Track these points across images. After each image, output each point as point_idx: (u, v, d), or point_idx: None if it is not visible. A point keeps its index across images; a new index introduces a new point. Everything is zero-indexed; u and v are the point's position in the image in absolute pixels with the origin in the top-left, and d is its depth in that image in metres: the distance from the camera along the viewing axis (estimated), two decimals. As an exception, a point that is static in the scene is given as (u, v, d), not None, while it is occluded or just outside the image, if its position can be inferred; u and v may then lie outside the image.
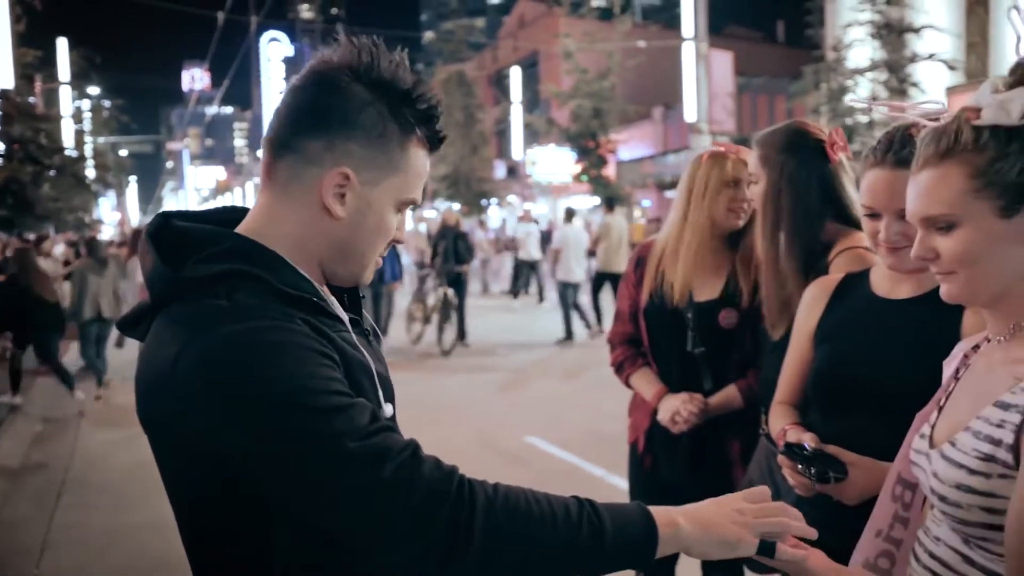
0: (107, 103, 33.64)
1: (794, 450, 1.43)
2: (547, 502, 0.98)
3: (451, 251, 10.70)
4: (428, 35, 44.65)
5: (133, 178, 56.23)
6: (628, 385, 2.55)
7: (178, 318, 0.99)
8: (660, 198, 26.47)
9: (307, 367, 0.94)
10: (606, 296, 9.95)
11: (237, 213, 1.15)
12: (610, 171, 25.60)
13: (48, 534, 4.47)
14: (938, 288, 1.14)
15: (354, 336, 1.10)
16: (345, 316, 1.13)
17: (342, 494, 0.92)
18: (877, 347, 1.56)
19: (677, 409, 2.31)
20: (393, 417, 1.12)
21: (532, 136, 30.42)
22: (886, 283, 1.61)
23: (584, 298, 11.29)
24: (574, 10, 27.03)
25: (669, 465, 2.44)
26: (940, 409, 1.18)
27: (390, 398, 1.13)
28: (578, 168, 25.22)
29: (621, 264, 10.06)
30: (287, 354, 0.94)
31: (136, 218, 57.75)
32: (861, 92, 16.82)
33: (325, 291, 1.15)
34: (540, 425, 6.41)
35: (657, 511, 1.03)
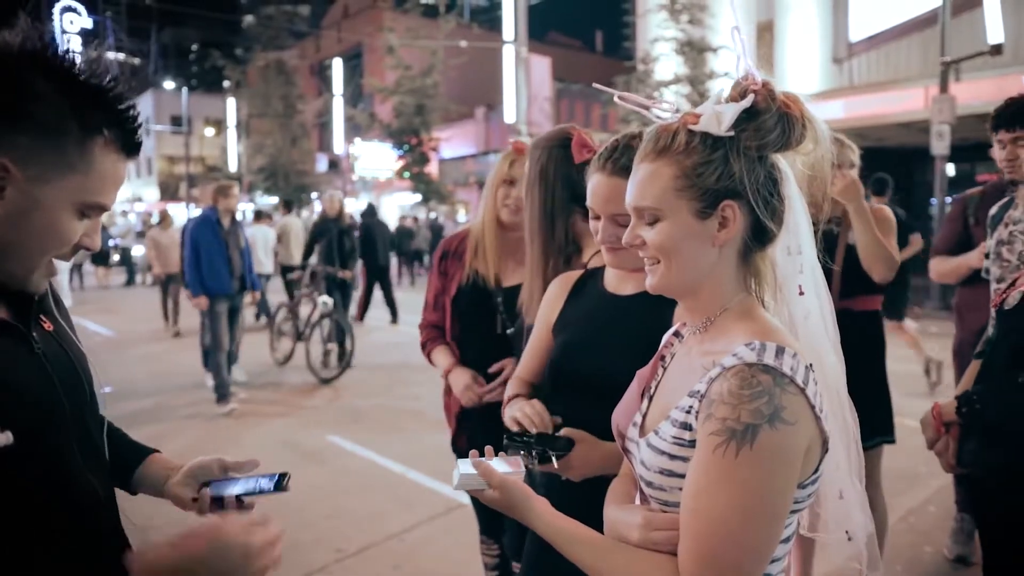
0: None
1: (515, 438, 1.49)
2: None
3: (334, 250, 8.97)
4: (248, 19, 42.53)
5: None
6: (430, 361, 2.75)
7: None
8: (480, 196, 26.88)
9: None
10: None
11: None
12: (432, 168, 25.64)
13: None
14: None
15: None
16: None
17: None
18: (599, 338, 1.66)
19: (468, 384, 2.51)
20: (27, 440, 1.00)
21: (354, 130, 29.84)
22: (615, 280, 1.73)
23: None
24: (399, 5, 26.85)
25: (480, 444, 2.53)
26: (651, 398, 1.26)
27: (32, 412, 1.02)
28: (400, 164, 25.07)
29: (297, 258, 10.75)
30: None
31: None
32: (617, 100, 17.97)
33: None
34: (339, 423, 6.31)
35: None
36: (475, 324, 2.59)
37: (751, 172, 1.11)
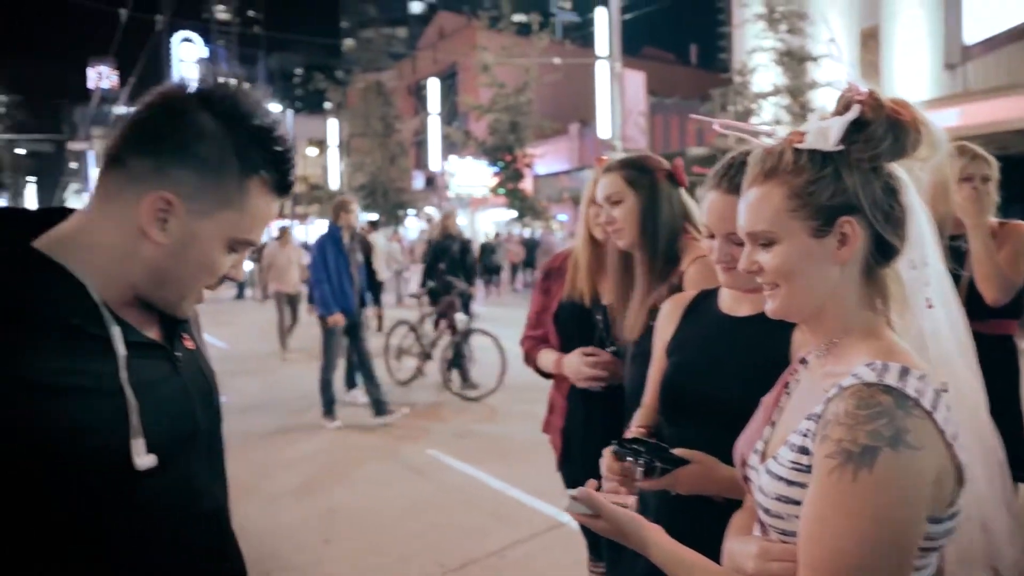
0: (3, 98, 31.93)
1: (625, 445, 1.48)
2: None
3: (458, 266, 8.72)
4: (348, 43, 44.10)
5: (32, 179, 53.33)
6: (537, 369, 2.75)
7: None
8: (576, 212, 26.86)
9: None
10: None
11: (67, 215, 1.10)
12: (527, 185, 25.83)
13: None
14: None
15: (123, 372, 1.01)
16: (121, 346, 1.02)
17: None
18: (713, 361, 1.63)
19: (578, 365, 2.47)
20: (170, 459, 1.05)
21: (450, 148, 30.42)
22: (730, 301, 1.70)
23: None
24: (493, 24, 27.22)
25: (585, 464, 2.53)
26: (773, 425, 1.23)
27: (175, 431, 1.08)
28: (495, 181, 25.36)
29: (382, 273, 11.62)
30: None
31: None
32: (765, 115, 17.54)
33: (135, 307, 1.10)
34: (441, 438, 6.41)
35: None
36: (575, 342, 2.59)
37: (866, 185, 1.09)
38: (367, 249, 10.36)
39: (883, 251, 1.12)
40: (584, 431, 2.56)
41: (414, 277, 19.28)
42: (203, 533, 1.15)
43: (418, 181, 34.61)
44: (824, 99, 17.17)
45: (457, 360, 8.18)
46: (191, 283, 1.09)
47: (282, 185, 1.11)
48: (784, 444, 1.12)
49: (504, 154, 24.55)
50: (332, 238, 6.78)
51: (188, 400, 1.13)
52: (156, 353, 1.10)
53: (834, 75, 16.70)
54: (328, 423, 6.83)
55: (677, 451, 1.48)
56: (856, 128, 1.08)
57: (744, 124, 1.20)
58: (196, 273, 1.08)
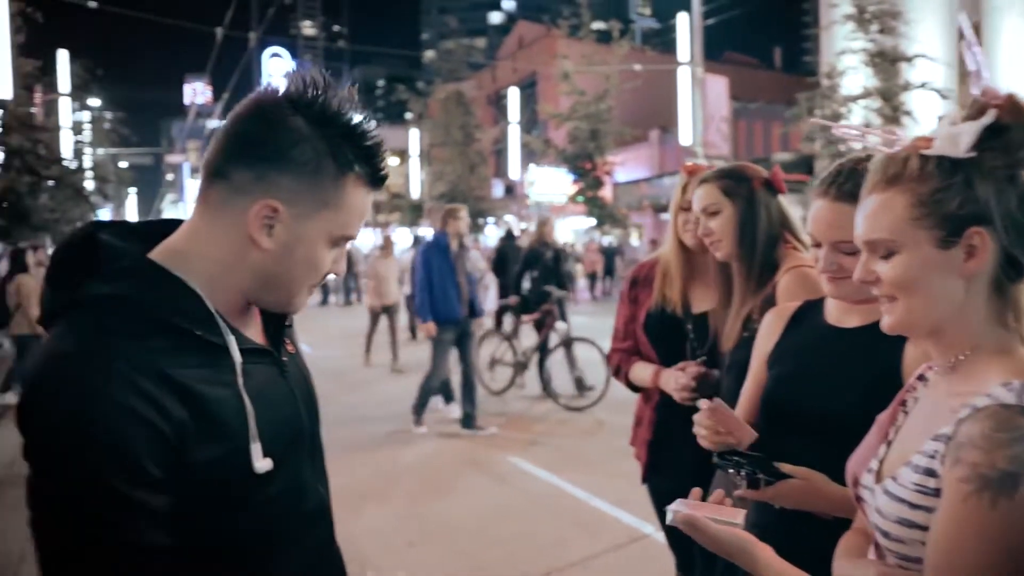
0: (108, 115, 33.77)
1: (726, 457, 1.45)
2: None
3: (551, 274, 8.35)
4: (429, 54, 44.90)
5: (133, 190, 56.22)
6: (629, 384, 2.67)
7: (48, 341, 0.99)
8: (656, 220, 26.57)
9: (112, 436, 0.90)
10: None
11: (175, 227, 1.13)
12: (606, 192, 25.70)
13: (28, 544, 4.46)
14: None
15: (240, 378, 1.04)
16: (237, 354, 1.05)
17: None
18: (819, 374, 1.57)
19: (677, 378, 2.39)
20: (282, 462, 1.08)
21: (529, 156, 30.55)
22: (837, 312, 1.63)
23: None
24: (573, 32, 27.25)
25: (673, 476, 2.47)
26: (889, 444, 1.17)
27: (285, 434, 1.11)
28: (574, 189, 25.32)
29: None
30: (94, 415, 0.90)
31: (133, 230, 57.66)
32: (854, 119, 16.96)
33: (254, 312, 1.16)
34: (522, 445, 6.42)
35: None
36: (664, 351, 2.55)
37: (1000, 195, 1.02)
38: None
39: (1015, 265, 1.05)
40: (673, 444, 2.51)
41: (492, 285, 19.45)
42: (311, 532, 1.18)
43: (497, 189, 34.89)
44: (919, 102, 16.51)
45: (542, 368, 8.07)
46: (299, 283, 1.11)
47: (376, 178, 1.12)
48: (906, 465, 1.06)
49: (584, 162, 24.50)
50: (438, 245, 6.62)
51: (294, 403, 1.16)
52: (264, 359, 1.13)
53: (930, 76, 16.03)
54: (415, 428, 6.84)
55: (784, 467, 1.43)
56: (991, 134, 1.02)
57: (866, 128, 1.15)
58: (303, 273, 1.10)
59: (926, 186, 1.04)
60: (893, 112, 16.49)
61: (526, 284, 8.60)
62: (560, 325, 7.97)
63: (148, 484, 0.93)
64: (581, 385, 8.06)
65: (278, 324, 1.19)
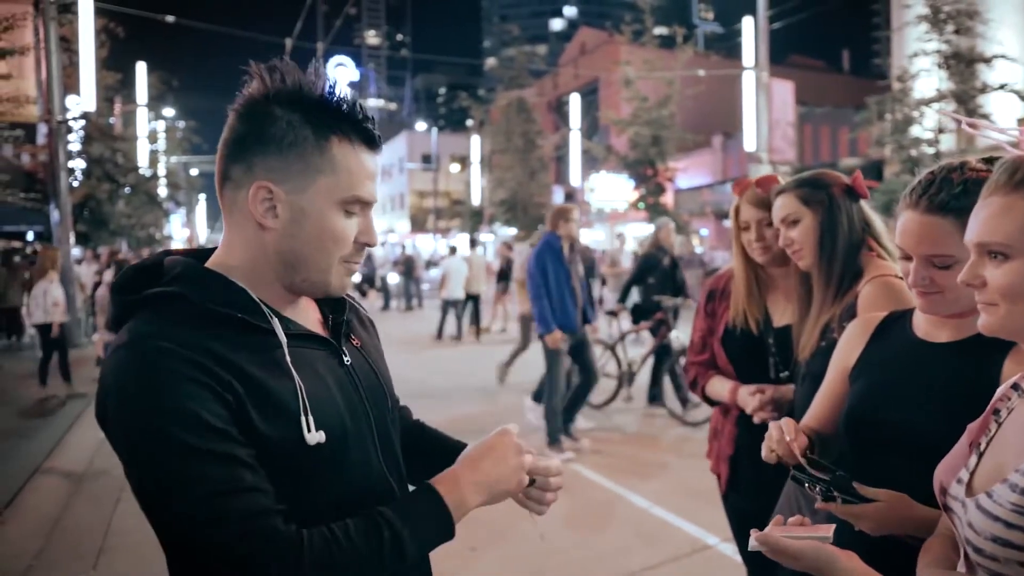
0: (181, 124, 34.96)
1: (804, 471, 1.41)
2: (352, 536, 1.06)
3: (668, 281, 7.91)
4: (490, 61, 45.19)
5: (203, 196, 58.07)
6: (705, 398, 2.60)
7: (119, 335, 1.10)
8: (718, 227, 26.21)
9: (176, 400, 1.00)
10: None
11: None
12: (668, 199, 25.45)
13: (106, 538, 4.66)
14: (977, 335, 1.11)
15: (287, 355, 1.12)
16: (281, 333, 1.13)
17: (172, 526, 1.04)
18: (908, 389, 1.51)
19: (754, 402, 2.30)
20: (337, 439, 1.14)
21: (590, 162, 30.46)
22: (926, 325, 1.56)
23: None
24: (635, 38, 27.10)
25: (752, 495, 2.43)
26: (980, 455, 1.14)
27: (342, 415, 1.16)
28: (635, 195, 25.14)
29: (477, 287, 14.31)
30: (161, 382, 1.00)
31: (204, 234, 59.66)
32: (927, 123, 16.43)
33: (307, 307, 1.23)
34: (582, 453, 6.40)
35: (444, 487, 1.17)
36: (745, 368, 2.47)
37: None
38: (589, 262, 9.61)
39: None
40: (756, 459, 2.44)
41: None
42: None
43: (558, 196, 34.87)
44: (997, 104, 15.90)
45: (656, 379, 7.75)
46: (322, 256, 1.15)
47: (363, 135, 1.16)
48: (1003, 482, 1.03)
49: (645, 168, 24.32)
50: (551, 249, 6.13)
51: (354, 389, 1.21)
52: (317, 344, 1.19)
53: (1009, 77, 15.44)
54: (554, 453, 5.97)
55: (868, 491, 1.37)
56: None
57: (994, 125, 1.12)
58: (321, 245, 1.14)
59: None
60: (969, 115, 15.90)
61: (635, 294, 8.19)
62: (675, 336, 7.53)
63: (219, 434, 1.01)
64: (685, 399, 7.47)
65: (337, 317, 1.26)
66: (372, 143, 1.17)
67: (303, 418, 1.08)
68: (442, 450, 1.44)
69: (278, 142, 1.10)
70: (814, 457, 1.48)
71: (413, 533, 1.11)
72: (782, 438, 1.50)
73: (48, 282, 8.83)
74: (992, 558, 1.02)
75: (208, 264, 1.16)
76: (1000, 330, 1.08)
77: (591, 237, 27.53)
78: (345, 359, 1.22)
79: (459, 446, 1.42)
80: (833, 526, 1.24)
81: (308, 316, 1.22)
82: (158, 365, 1.00)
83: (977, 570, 1.07)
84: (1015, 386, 1.18)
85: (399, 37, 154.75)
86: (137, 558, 4.35)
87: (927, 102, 16.39)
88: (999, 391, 1.21)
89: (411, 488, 1.25)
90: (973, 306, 1.14)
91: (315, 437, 1.08)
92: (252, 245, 1.14)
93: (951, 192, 1.38)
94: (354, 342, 1.28)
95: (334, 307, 1.27)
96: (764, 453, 1.56)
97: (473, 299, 14.55)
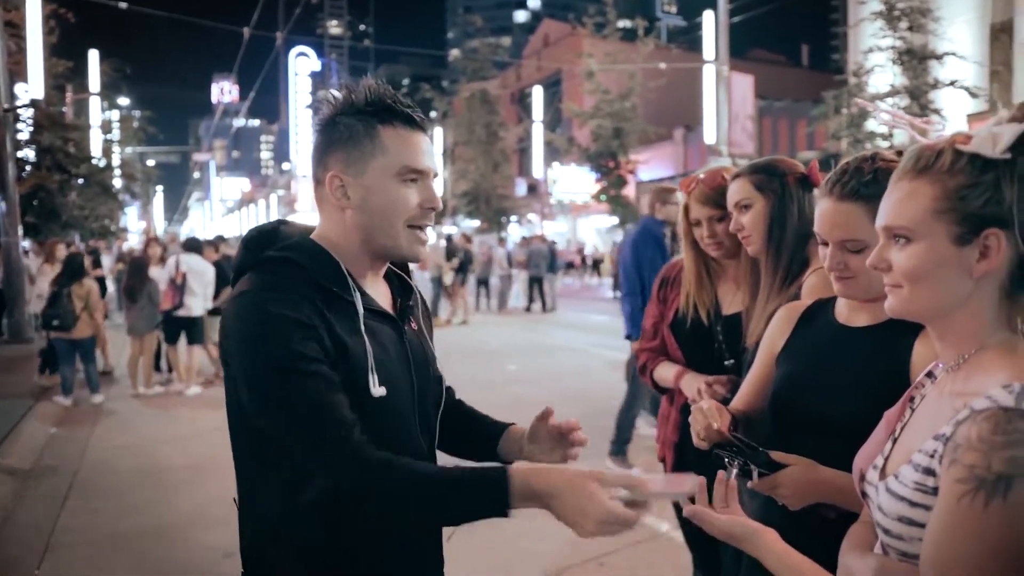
0: (136, 114, 34.22)
1: (723, 446, 1.45)
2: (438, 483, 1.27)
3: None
4: (454, 53, 44.99)
5: (160, 188, 56.98)
6: (653, 384, 2.64)
7: (240, 283, 1.38)
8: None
9: (287, 334, 1.26)
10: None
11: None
12: (630, 191, 25.63)
13: (52, 536, 4.55)
14: (892, 319, 1.14)
15: (363, 323, 1.36)
16: (360, 305, 1.37)
17: (286, 430, 1.27)
18: (827, 373, 1.57)
19: (696, 389, 2.30)
20: (392, 397, 1.36)
21: (553, 154, 30.55)
22: (847, 310, 1.62)
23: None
24: (598, 30, 27.20)
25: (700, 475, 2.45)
26: (895, 441, 1.18)
27: (397, 379, 1.39)
28: (598, 187, 25.28)
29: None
30: (274, 321, 1.27)
31: (161, 227, 58.52)
32: (882, 118, 16.74)
33: (384, 289, 1.48)
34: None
35: (517, 485, 1.30)
36: (692, 354, 2.52)
37: None
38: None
39: None
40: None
41: (518, 281, 19.47)
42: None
43: (521, 188, 34.92)
44: (948, 100, 16.28)
45: None
46: (388, 224, 1.39)
47: (404, 119, 1.40)
48: (907, 463, 1.07)
49: (607, 160, 24.45)
50: (651, 234, 5.11)
51: (408, 363, 1.44)
52: (385, 320, 1.43)
53: (959, 74, 15.80)
54: (614, 464, 5.46)
55: (779, 455, 1.44)
56: None
57: (911, 118, 1.15)
58: (389, 212, 1.39)
59: (954, 181, 1.04)
60: (921, 111, 16.27)
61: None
62: None
63: (318, 363, 1.27)
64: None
65: (404, 302, 1.51)
66: (413, 124, 1.41)
67: (370, 375, 1.32)
68: (473, 428, 1.66)
69: (339, 140, 1.39)
70: (738, 435, 1.51)
71: (469, 510, 1.32)
72: (708, 424, 1.53)
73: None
74: (899, 538, 1.06)
75: (315, 235, 1.43)
76: (904, 312, 1.11)
77: (553, 229, 27.71)
78: (405, 336, 1.45)
79: (493, 427, 1.63)
80: (692, 476, 1.33)
81: (383, 296, 1.47)
82: (271, 312, 1.27)
83: (888, 551, 1.10)
84: (929, 374, 1.21)
85: (362, 27, 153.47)
86: (84, 556, 4.26)
87: (881, 96, 16.74)
88: (917, 379, 1.24)
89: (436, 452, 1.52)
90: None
91: (379, 391, 1.33)
92: (337, 224, 1.41)
93: (861, 180, 1.46)
94: (413, 325, 1.51)
95: (404, 294, 1.52)
96: (695, 440, 1.58)
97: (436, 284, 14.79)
